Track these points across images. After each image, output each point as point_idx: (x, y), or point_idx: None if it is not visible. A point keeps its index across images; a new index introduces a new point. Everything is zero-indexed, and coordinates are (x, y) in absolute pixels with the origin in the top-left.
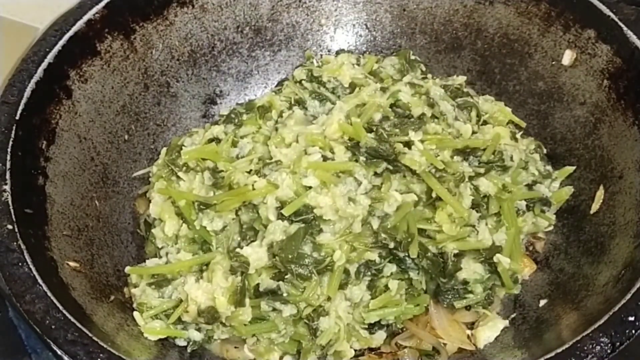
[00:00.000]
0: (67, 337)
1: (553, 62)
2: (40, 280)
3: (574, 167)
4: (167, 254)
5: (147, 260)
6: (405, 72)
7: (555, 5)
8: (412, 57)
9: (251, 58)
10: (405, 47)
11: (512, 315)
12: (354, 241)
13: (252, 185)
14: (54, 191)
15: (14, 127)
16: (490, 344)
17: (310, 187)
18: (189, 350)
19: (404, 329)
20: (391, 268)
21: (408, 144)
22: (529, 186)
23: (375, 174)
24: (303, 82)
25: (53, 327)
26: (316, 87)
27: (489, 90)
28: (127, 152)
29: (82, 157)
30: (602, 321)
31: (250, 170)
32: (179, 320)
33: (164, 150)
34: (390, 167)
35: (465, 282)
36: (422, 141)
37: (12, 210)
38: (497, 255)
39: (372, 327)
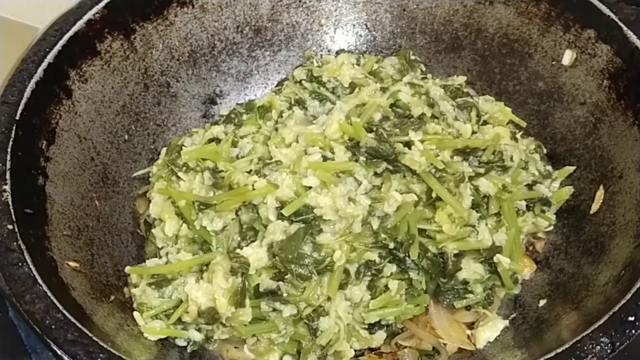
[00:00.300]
0: (67, 337)
1: (553, 62)
2: (40, 280)
3: (574, 167)
4: (167, 254)
5: (147, 260)
6: (405, 72)
7: (555, 5)
8: (412, 57)
9: (251, 58)
10: (405, 47)
11: (512, 315)
12: (354, 241)
13: (252, 185)
14: (54, 191)
15: (14, 127)
16: (490, 344)
17: (310, 187)
18: (189, 350)
19: (404, 329)
20: (391, 268)
21: (408, 144)
22: (529, 186)
23: (375, 174)
24: (303, 82)
25: (53, 327)
26: (316, 87)
27: (489, 90)
28: (127, 152)
29: (82, 157)
30: (602, 321)
31: (250, 170)
32: (179, 321)
33: (164, 150)
34: (390, 167)
35: (465, 282)
36: (422, 141)
37: (12, 210)
38: (497, 255)
39: (372, 327)
